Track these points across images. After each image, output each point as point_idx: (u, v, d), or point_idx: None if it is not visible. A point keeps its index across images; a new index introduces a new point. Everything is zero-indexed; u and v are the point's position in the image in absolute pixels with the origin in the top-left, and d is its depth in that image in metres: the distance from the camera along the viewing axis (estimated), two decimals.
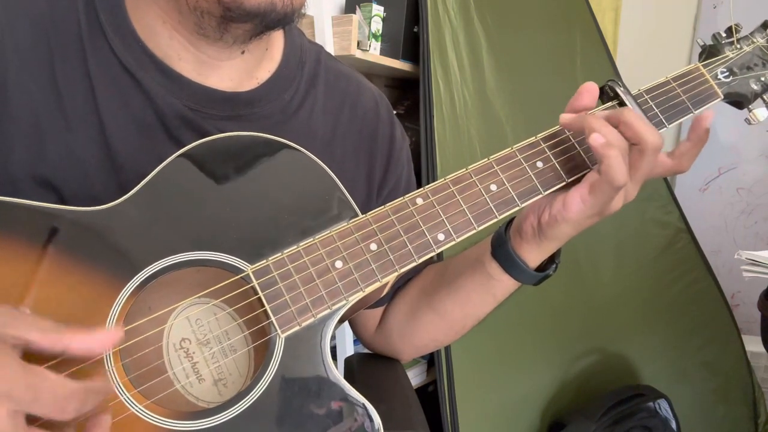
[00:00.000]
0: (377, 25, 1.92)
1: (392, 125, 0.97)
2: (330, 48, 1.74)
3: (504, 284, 0.82)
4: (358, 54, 1.81)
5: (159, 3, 0.74)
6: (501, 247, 0.80)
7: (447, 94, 1.84)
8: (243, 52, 0.78)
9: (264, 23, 0.71)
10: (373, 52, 1.90)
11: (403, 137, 0.99)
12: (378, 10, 1.91)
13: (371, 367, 1.20)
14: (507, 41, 2.04)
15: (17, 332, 0.48)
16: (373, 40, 1.91)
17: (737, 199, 2.77)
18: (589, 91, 0.75)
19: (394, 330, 0.96)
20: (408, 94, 2.21)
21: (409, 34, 1.97)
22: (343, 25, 1.78)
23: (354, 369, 1.20)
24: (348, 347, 1.88)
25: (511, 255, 0.79)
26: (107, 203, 0.65)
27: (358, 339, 1.07)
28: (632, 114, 0.70)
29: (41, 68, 0.72)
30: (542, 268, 0.81)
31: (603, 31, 2.38)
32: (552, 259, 0.81)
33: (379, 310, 0.98)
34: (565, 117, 0.74)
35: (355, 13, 1.84)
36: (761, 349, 1.76)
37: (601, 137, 0.68)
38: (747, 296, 2.68)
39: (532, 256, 0.79)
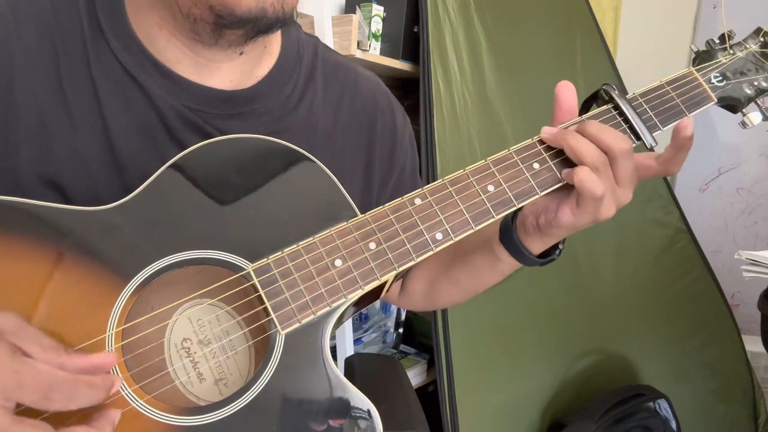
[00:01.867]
0: (377, 25, 1.92)
1: (393, 112, 0.98)
2: None
3: (510, 264, 0.86)
4: (358, 54, 1.81)
5: (155, 9, 0.75)
6: (508, 235, 0.82)
7: (447, 94, 1.84)
8: (241, 54, 0.79)
9: (256, 29, 0.72)
10: (373, 52, 1.90)
11: (404, 121, 1.00)
12: (378, 10, 1.92)
13: (371, 367, 1.21)
14: (507, 41, 2.04)
15: (19, 342, 0.49)
16: (373, 40, 1.91)
17: (737, 199, 2.77)
18: (567, 88, 0.77)
19: (416, 294, 1.02)
20: (408, 94, 2.21)
21: (409, 34, 1.97)
22: (343, 25, 1.78)
23: (354, 369, 1.20)
24: (348, 347, 1.88)
25: (516, 244, 0.81)
26: (110, 203, 0.66)
27: (386, 299, 1.11)
28: (594, 125, 0.73)
29: (47, 69, 0.74)
30: (547, 253, 0.84)
31: (603, 31, 2.38)
32: (556, 246, 0.83)
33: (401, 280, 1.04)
34: (546, 133, 0.76)
35: (355, 13, 1.84)
36: (761, 349, 1.76)
37: (581, 175, 0.71)
38: (747, 296, 2.68)
39: (536, 246, 0.81)
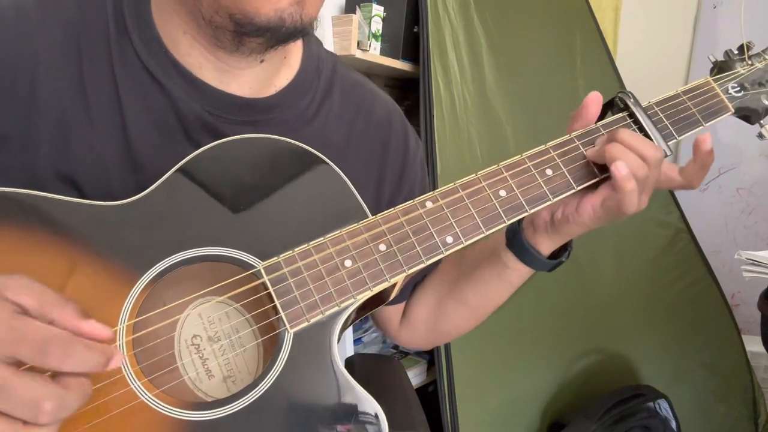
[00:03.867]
0: (377, 25, 1.92)
1: (406, 134, 0.98)
2: (330, 48, 1.74)
3: (519, 272, 0.85)
4: (358, 54, 1.81)
5: (180, 15, 0.76)
6: (515, 238, 0.83)
7: (447, 94, 1.84)
8: (262, 61, 0.80)
9: (275, 38, 0.73)
10: (373, 52, 1.90)
11: (416, 145, 1.01)
12: (378, 10, 1.92)
13: (371, 367, 1.20)
14: (507, 41, 2.04)
15: (12, 295, 0.50)
16: (373, 40, 1.91)
17: (737, 199, 2.77)
18: (596, 101, 0.78)
19: (420, 321, 0.99)
20: (408, 94, 2.21)
21: (409, 34, 1.97)
22: (343, 25, 1.78)
23: (354, 369, 1.20)
24: (348, 347, 1.88)
25: (524, 245, 0.82)
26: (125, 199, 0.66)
27: (384, 334, 1.08)
28: (626, 133, 0.74)
29: (70, 68, 0.74)
30: (555, 255, 0.84)
31: (603, 31, 2.38)
32: (565, 247, 0.84)
33: (402, 305, 1.01)
34: (590, 152, 0.77)
35: (355, 13, 1.84)
36: (761, 349, 1.76)
37: (625, 167, 0.71)
38: (747, 296, 2.68)
39: (545, 245, 0.82)
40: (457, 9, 1.90)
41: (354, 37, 1.78)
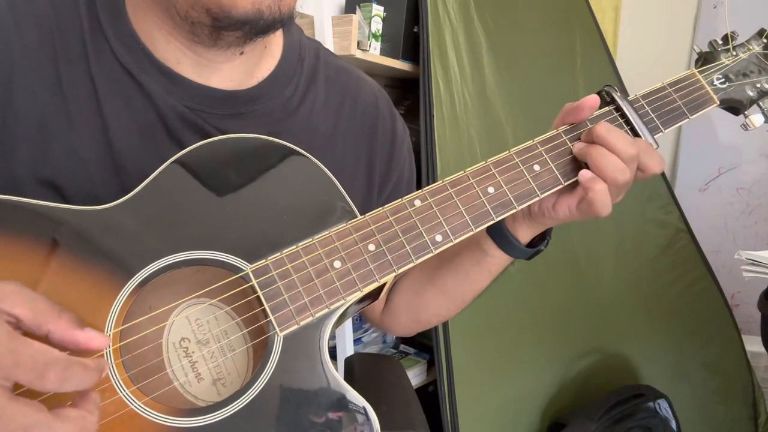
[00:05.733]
0: (377, 25, 1.92)
1: (393, 119, 0.98)
2: (330, 48, 1.74)
3: (498, 259, 0.86)
4: (358, 54, 1.81)
5: (154, 11, 0.75)
6: (495, 225, 0.82)
7: (447, 94, 1.84)
8: (241, 53, 0.79)
9: (254, 30, 0.72)
10: (373, 52, 1.90)
11: (404, 130, 1.00)
12: (378, 10, 1.92)
13: (371, 367, 1.20)
14: (507, 41, 2.04)
15: (6, 306, 0.50)
16: (373, 40, 1.91)
17: (737, 199, 2.76)
18: (591, 105, 0.77)
19: (401, 308, 0.99)
20: (408, 94, 2.21)
21: (409, 34, 1.97)
22: (343, 25, 1.78)
23: (354, 369, 1.20)
24: (348, 347, 1.88)
25: (504, 232, 0.82)
26: (109, 203, 0.65)
27: (366, 320, 1.08)
28: (603, 128, 0.74)
29: (46, 70, 0.73)
30: (534, 243, 0.85)
31: (603, 31, 2.38)
32: (543, 236, 0.85)
33: (385, 294, 1.00)
34: (576, 148, 0.77)
35: (355, 13, 1.84)
36: (761, 349, 1.76)
37: (589, 173, 0.73)
38: (747, 296, 2.67)
39: (524, 233, 0.83)
40: (457, 9, 1.90)
41: (354, 37, 1.78)
